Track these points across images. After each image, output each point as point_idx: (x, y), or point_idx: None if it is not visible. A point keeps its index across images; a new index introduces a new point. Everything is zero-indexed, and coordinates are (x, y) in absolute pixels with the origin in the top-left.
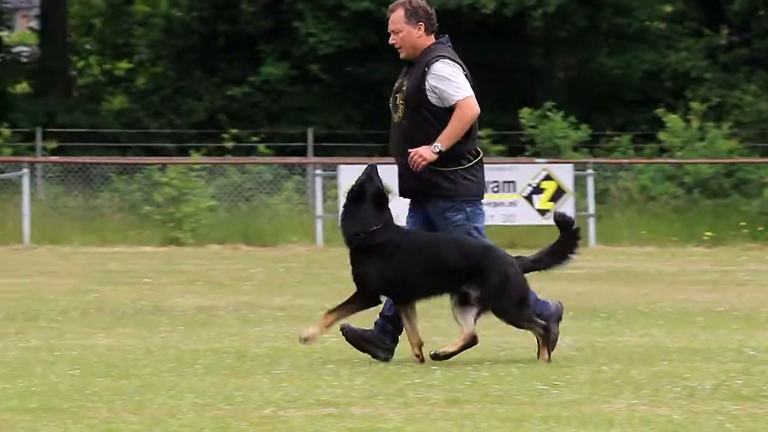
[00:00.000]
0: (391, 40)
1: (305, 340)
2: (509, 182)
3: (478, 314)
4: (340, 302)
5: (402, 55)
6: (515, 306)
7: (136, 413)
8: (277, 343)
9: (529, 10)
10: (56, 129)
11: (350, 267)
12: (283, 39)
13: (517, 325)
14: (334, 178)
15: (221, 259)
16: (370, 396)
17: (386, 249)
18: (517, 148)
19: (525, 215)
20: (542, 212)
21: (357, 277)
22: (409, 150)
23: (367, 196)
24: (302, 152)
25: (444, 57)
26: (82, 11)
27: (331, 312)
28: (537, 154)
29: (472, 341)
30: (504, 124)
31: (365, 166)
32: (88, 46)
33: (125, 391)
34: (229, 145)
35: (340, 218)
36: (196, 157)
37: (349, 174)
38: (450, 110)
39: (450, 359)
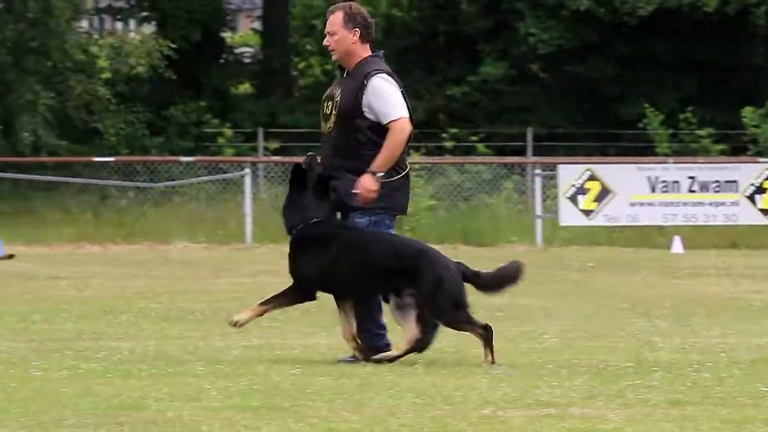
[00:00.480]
0: (325, 42)
1: (235, 323)
2: (731, 182)
3: (419, 317)
4: (274, 294)
5: (334, 58)
6: (452, 307)
7: (356, 412)
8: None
9: (752, 7)
10: (278, 129)
11: (288, 258)
12: (503, 38)
13: (455, 327)
14: (554, 177)
15: None
16: (590, 396)
17: (324, 243)
18: (739, 147)
19: (747, 215)
20: (765, 212)
21: (293, 270)
22: (353, 192)
23: (309, 185)
24: (521, 152)
25: (382, 72)
26: (304, 12)
27: (264, 303)
28: (760, 153)
29: (416, 344)
30: (725, 123)
31: (306, 156)
32: (309, 47)
33: (345, 390)
34: (449, 144)
35: (282, 207)
36: (415, 157)
37: (569, 174)
38: (383, 127)
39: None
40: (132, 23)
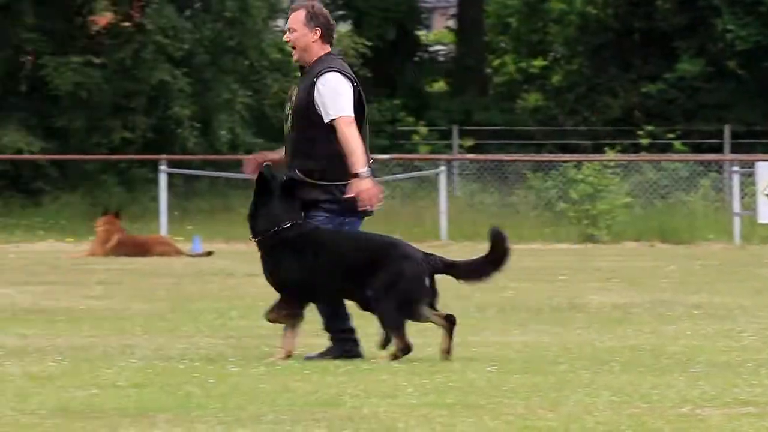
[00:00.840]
0: (285, 38)
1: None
2: None
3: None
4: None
5: (294, 57)
6: (395, 308)
7: (552, 410)
8: (693, 341)
9: None
10: (472, 127)
11: (263, 268)
12: (699, 35)
13: (385, 328)
14: (752, 175)
15: (637, 256)
16: None
17: (297, 246)
18: None
19: None
20: None
21: (276, 282)
22: (352, 195)
23: (274, 191)
24: (718, 149)
25: (334, 69)
26: (498, 10)
27: (287, 336)
28: None
29: (405, 351)
30: None
31: (262, 166)
32: (503, 45)
33: (541, 388)
34: (645, 141)
35: (248, 216)
36: (611, 154)
37: (767, 171)
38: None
39: None
40: None
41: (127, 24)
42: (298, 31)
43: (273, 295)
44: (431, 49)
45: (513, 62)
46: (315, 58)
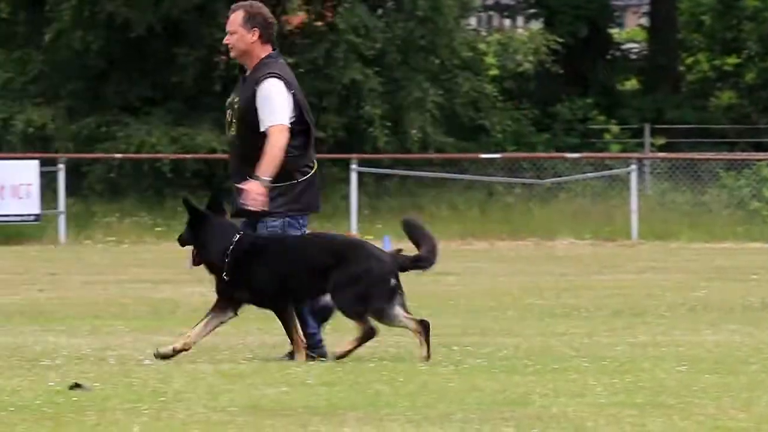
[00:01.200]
0: (225, 40)
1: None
2: None
3: (404, 308)
4: (286, 327)
5: (232, 54)
6: (355, 298)
7: (743, 410)
8: None
9: None
10: (664, 125)
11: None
12: None
13: (348, 315)
14: None
15: None
16: None
17: (257, 255)
18: None
19: None
20: None
21: (254, 291)
22: (240, 191)
23: (208, 215)
24: None
25: (273, 75)
26: (692, 8)
27: (299, 342)
28: None
29: (370, 334)
30: None
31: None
32: (696, 42)
33: (732, 388)
34: None
35: (200, 250)
36: None
37: None
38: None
39: None
40: (519, 20)
41: (319, 23)
42: (237, 33)
43: (460, 295)
44: (623, 47)
45: (706, 60)
46: (256, 60)
